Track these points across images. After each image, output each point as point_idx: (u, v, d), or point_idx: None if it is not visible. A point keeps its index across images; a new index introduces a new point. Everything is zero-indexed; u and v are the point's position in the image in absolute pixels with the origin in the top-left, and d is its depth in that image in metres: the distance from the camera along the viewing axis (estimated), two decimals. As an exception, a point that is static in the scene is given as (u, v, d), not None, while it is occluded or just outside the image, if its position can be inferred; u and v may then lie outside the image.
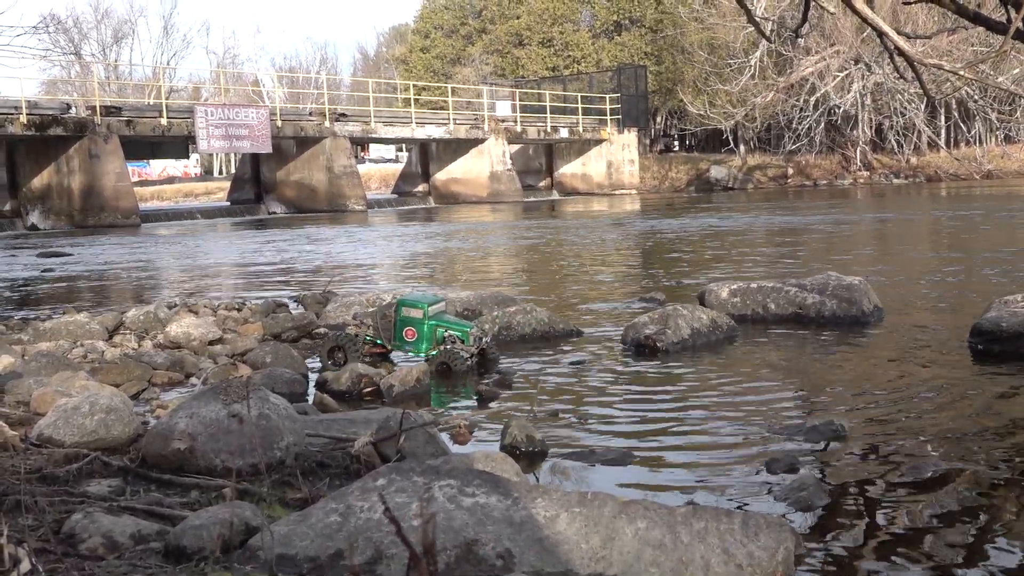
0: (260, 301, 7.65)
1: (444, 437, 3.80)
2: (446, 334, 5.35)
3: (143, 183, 50.38)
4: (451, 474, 2.63)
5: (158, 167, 57.81)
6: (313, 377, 5.14)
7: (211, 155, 58.27)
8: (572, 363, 5.36)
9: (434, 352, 5.29)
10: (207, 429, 3.21)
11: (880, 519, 2.93)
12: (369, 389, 4.77)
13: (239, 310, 7.24)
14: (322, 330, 6.47)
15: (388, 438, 3.31)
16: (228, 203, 32.93)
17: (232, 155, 48.72)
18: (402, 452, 3.27)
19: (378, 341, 5.42)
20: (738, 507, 2.99)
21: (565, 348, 5.86)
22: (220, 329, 6.22)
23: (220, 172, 60.79)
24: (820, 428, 3.78)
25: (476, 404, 4.57)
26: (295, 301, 8.03)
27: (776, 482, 3.23)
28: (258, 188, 31.79)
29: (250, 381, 3.65)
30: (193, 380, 5.11)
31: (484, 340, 5.37)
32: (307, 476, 3.16)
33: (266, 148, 27.78)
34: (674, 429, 4.03)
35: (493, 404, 4.54)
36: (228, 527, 2.52)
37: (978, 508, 2.98)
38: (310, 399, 4.61)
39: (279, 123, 28.22)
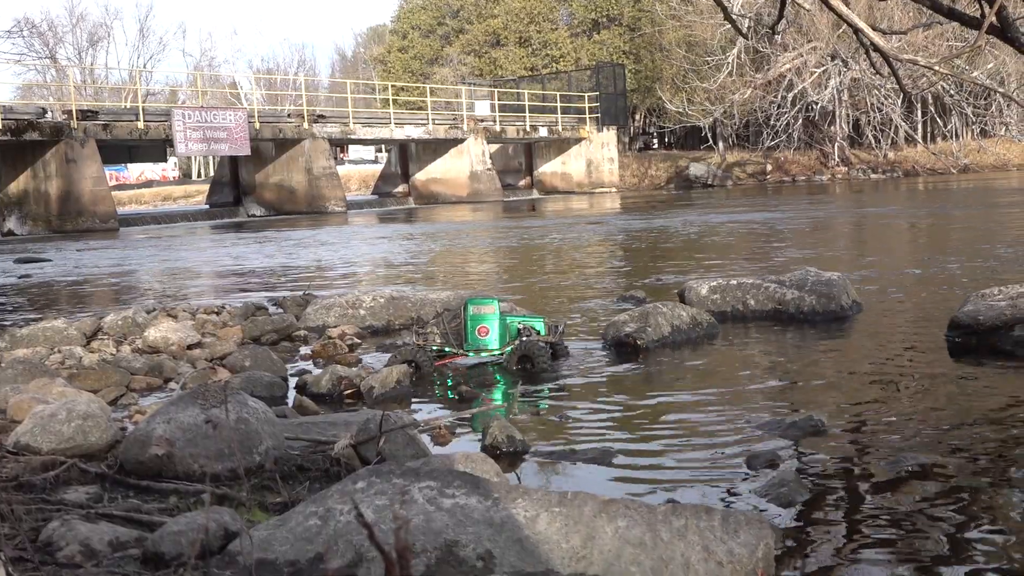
0: (239, 304, 7.62)
1: (425, 439, 3.80)
2: (520, 327, 5.30)
3: (121, 187, 50.03)
4: (431, 475, 2.62)
5: (136, 171, 57.44)
6: (293, 380, 5.12)
7: (189, 158, 58.00)
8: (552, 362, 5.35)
9: (508, 348, 5.22)
10: (185, 434, 3.19)
11: (860, 513, 2.94)
12: (349, 391, 4.76)
13: (218, 314, 7.21)
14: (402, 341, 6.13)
15: (368, 440, 3.30)
16: (207, 206, 32.77)
17: (211, 158, 48.53)
18: (382, 454, 3.26)
19: (446, 349, 5.29)
20: (719, 504, 3.00)
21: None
22: (199, 333, 6.20)
23: (199, 175, 60.49)
24: (800, 424, 3.79)
25: (457, 405, 4.56)
26: (275, 304, 8.00)
27: (756, 478, 3.24)
28: (237, 191, 31.65)
29: (228, 385, 3.63)
30: (172, 385, 5.08)
31: (560, 330, 5.34)
32: (287, 480, 3.15)
33: (244, 150, 27.64)
34: (655, 427, 4.03)
35: (474, 404, 4.53)
36: (207, 532, 2.50)
37: (958, 501, 3.00)
38: (290, 402, 4.59)
39: (257, 125, 28.09)
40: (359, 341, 6.21)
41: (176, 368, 5.32)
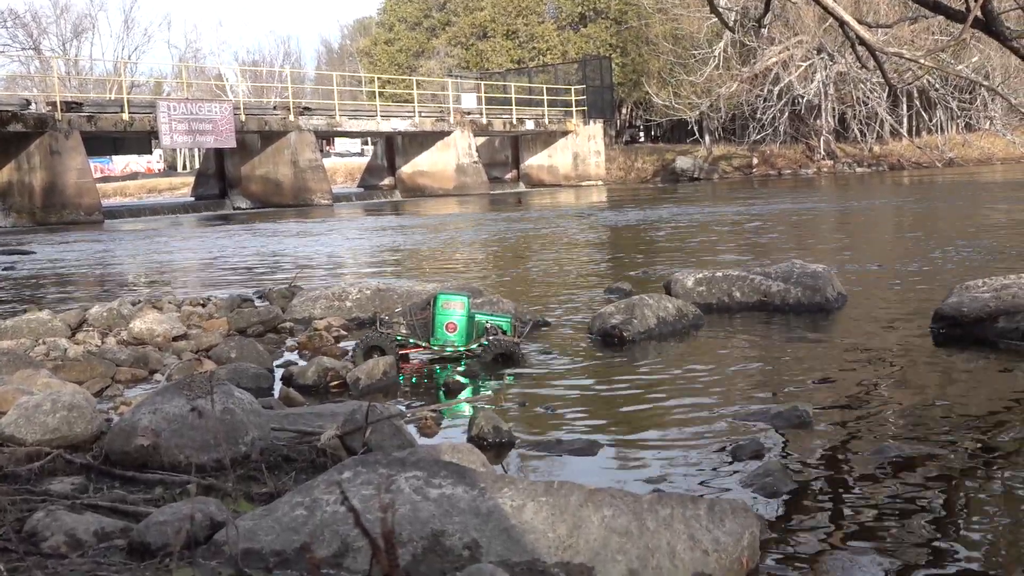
0: (225, 296, 7.59)
1: (411, 429, 3.80)
2: (487, 325, 5.28)
3: (106, 179, 49.84)
4: (417, 466, 2.63)
5: (121, 163, 57.20)
6: (279, 372, 5.11)
7: (175, 150, 57.76)
8: (539, 353, 5.36)
9: (474, 345, 5.20)
10: (170, 425, 3.18)
11: (845, 503, 2.96)
12: (336, 382, 4.75)
13: (204, 306, 7.19)
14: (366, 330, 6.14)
15: (354, 431, 3.29)
16: (192, 198, 32.67)
17: (196, 150, 48.34)
18: (368, 445, 3.26)
19: (411, 340, 5.26)
20: (704, 494, 3.01)
21: (531, 339, 5.86)
22: (184, 325, 6.18)
23: (184, 167, 60.28)
24: (785, 414, 3.81)
25: (443, 396, 4.56)
26: (260, 296, 7.98)
27: (741, 468, 3.25)
28: (222, 183, 31.54)
29: (214, 376, 3.62)
30: (157, 376, 5.07)
31: (525, 330, 5.33)
32: (273, 470, 3.14)
33: (230, 143, 27.54)
34: (640, 418, 4.04)
35: (460, 395, 4.53)
36: (192, 522, 2.50)
37: (942, 491, 3.01)
38: (276, 394, 4.59)
39: (243, 117, 27.99)
40: (345, 333, 6.20)
41: (161, 360, 5.30)
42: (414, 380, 4.94)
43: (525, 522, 2.41)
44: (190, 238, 18.34)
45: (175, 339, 5.86)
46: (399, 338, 5.24)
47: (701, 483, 3.15)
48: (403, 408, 4.20)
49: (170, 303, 7.21)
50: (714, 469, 3.29)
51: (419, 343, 5.26)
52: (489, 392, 4.53)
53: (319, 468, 3.14)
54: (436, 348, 5.24)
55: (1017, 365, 4.73)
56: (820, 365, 4.91)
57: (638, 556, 2.30)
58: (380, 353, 5.09)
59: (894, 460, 3.30)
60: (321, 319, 6.44)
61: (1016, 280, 5.54)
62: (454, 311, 5.22)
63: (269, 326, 6.36)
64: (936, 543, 2.63)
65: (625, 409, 4.19)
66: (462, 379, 4.81)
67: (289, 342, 6.03)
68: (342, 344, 5.91)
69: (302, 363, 5.12)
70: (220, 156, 31.24)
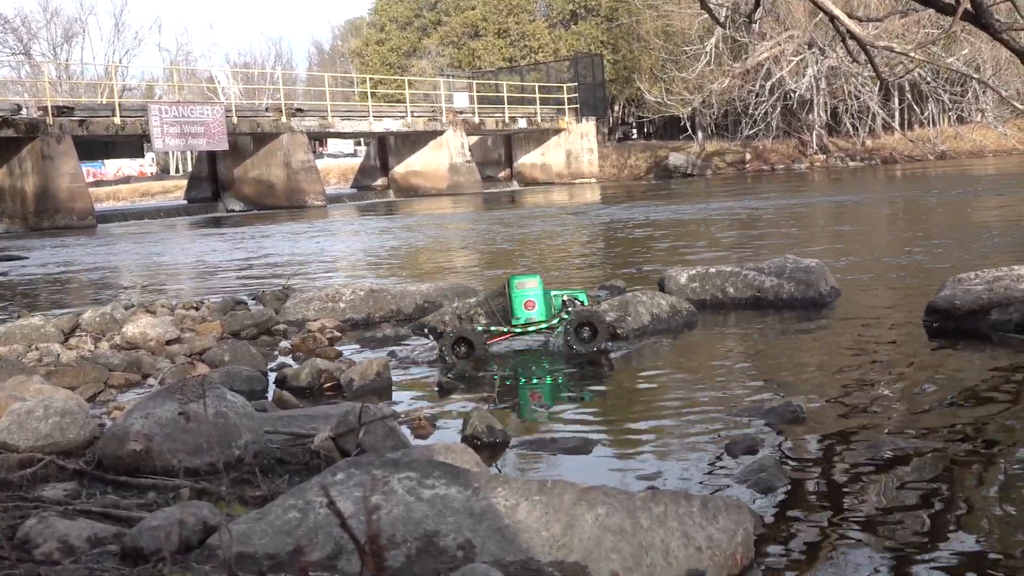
0: (218, 299, 7.58)
1: (405, 430, 3.79)
2: (564, 299, 5.30)
3: (98, 183, 49.72)
4: (410, 466, 2.62)
5: (113, 167, 57.11)
6: (272, 374, 5.10)
7: (167, 154, 57.67)
8: (532, 351, 5.35)
9: (555, 321, 5.22)
10: (163, 429, 3.17)
11: (839, 499, 2.96)
12: (329, 384, 4.75)
13: (197, 309, 7.17)
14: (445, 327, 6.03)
15: (347, 433, 3.29)
16: (185, 201, 32.60)
17: (188, 153, 48.26)
18: (362, 446, 3.25)
19: (492, 329, 5.26)
20: (698, 490, 3.00)
21: (526, 337, 5.84)
22: (178, 329, 6.16)
23: (176, 170, 60.15)
24: (779, 410, 3.81)
25: (437, 396, 4.56)
26: (254, 298, 7.97)
27: (736, 465, 3.25)
28: (215, 186, 31.48)
29: (206, 379, 3.62)
30: (150, 381, 5.05)
31: (601, 300, 5.33)
32: (266, 473, 3.14)
33: (222, 145, 27.50)
34: (635, 415, 4.04)
35: (454, 395, 4.53)
36: (186, 527, 2.49)
37: (937, 485, 3.02)
38: (270, 396, 4.58)
39: (235, 120, 27.95)
40: (339, 334, 6.19)
41: (155, 364, 5.29)
42: (409, 380, 4.94)
43: (519, 521, 2.41)
44: (183, 241, 18.32)
45: (168, 343, 5.85)
46: (480, 328, 5.25)
47: (695, 480, 3.15)
48: (397, 409, 4.20)
49: (163, 307, 7.19)
50: (708, 465, 3.29)
51: (501, 328, 5.28)
52: (483, 391, 4.52)
53: (313, 470, 3.13)
54: (519, 329, 5.26)
55: (1010, 357, 4.74)
56: (814, 360, 4.91)
57: (632, 554, 2.30)
58: (467, 345, 5.12)
59: (888, 454, 3.30)
60: (315, 321, 6.43)
61: (1008, 272, 5.55)
62: (530, 289, 5.25)
63: (263, 328, 6.34)
64: (931, 537, 2.63)
65: (619, 406, 4.19)
66: (457, 379, 4.79)
67: (283, 344, 6.02)
68: (337, 345, 5.90)
69: (296, 365, 5.11)
70: (212, 159, 31.18)
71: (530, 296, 5.25)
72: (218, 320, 6.49)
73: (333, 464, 2.85)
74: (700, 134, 44.72)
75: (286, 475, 3.15)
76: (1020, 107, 10.38)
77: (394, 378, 4.85)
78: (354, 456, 3.10)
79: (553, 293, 5.33)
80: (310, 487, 2.60)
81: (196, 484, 2.99)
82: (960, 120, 43.28)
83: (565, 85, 40.83)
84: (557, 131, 40.07)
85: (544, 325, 5.24)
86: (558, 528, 2.38)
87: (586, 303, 5.30)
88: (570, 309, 5.23)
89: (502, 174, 41.12)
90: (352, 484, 2.58)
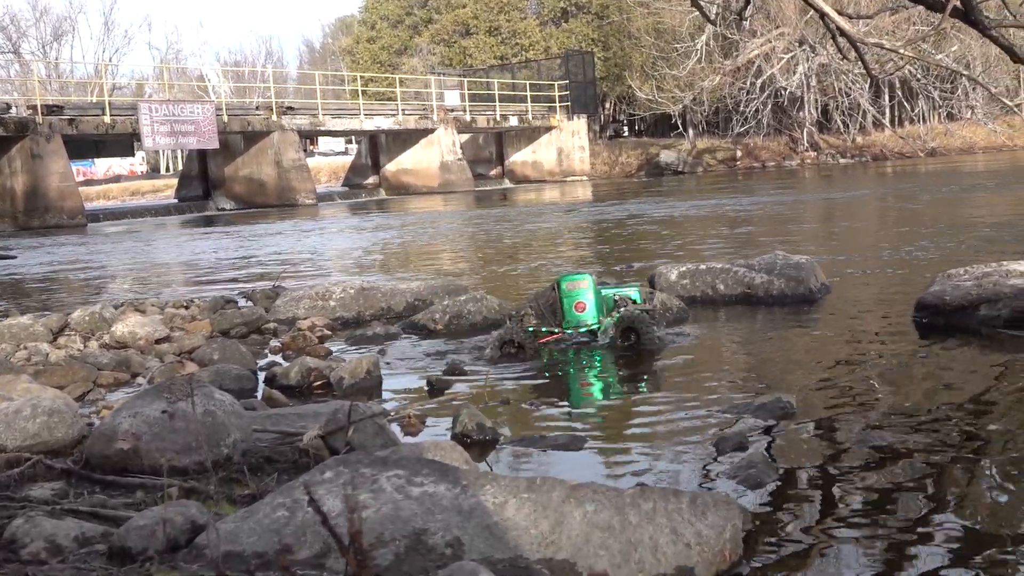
0: (208, 298, 7.56)
1: (394, 428, 3.79)
2: (616, 298, 5.21)
3: (88, 182, 49.55)
4: (399, 464, 2.62)
5: (103, 166, 56.90)
6: (262, 373, 5.09)
7: (157, 152, 57.53)
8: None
9: (607, 320, 5.15)
10: (151, 428, 3.16)
11: (828, 494, 2.96)
12: (319, 383, 4.73)
13: (187, 308, 7.16)
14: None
15: (337, 431, 3.28)
16: (176, 200, 32.52)
17: (179, 152, 48.12)
18: (351, 444, 3.25)
19: (543, 329, 5.20)
20: (687, 487, 3.00)
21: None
22: (167, 327, 6.15)
23: (167, 169, 60.02)
24: (768, 406, 3.81)
25: (427, 394, 4.55)
26: (244, 297, 7.95)
27: (725, 460, 3.25)
28: (206, 184, 31.40)
29: (194, 378, 3.61)
30: (139, 380, 5.04)
31: (654, 299, 5.25)
32: (255, 472, 3.13)
33: (213, 144, 27.43)
34: (625, 412, 4.04)
35: (445, 393, 4.52)
36: (173, 526, 2.48)
37: (926, 480, 3.02)
38: (259, 395, 4.57)
39: (225, 118, 27.87)
40: (329, 333, 6.19)
41: (144, 363, 5.27)
42: (400, 377, 4.92)
43: (507, 519, 2.41)
44: (174, 240, 18.27)
45: (158, 342, 5.84)
46: (531, 329, 5.19)
47: (685, 476, 3.15)
48: (386, 407, 4.19)
49: (153, 306, 7.18)
50: (698, 462, 3.29)
51: (552, 330, 5.20)
52: (473, 388, 4.51)
53: (302, 469, 3.12)
54: (570, 331, 5.19)
55: (999, 353, 4.75)
56: (803, 356, 4.92)
57: (620, 551, 2.30)
58: (515, 347, 5.07)
59: (877, 449, 3.30)
60: (305, 319, 6.42)
61: (997, 268, 5.56)
62: (580, 290, 5.15)
63: (252, 327, 6.33)
64: (921, 532, 2.63)
65: (609, 403, 4.19)
66: (448, 377, 4.78)
67: (273, 343, 6.01)
68: (327, 344, 5.89)
69: (285, 364, 5.10)
70: (203, 157, 31.10)
71: (581, 298, 5.14)
72: (208, 319, 6.48)
73: (322, 462, 2.85)
74: (691, 131, 44.75)
75: (275, 474, 3.14)
76: (1009, 103, 10.41)
77: (384, 376, 4.84)
78: (343, 454, 3.10)
79: (604, 292, 5.24)
80: (298, 485, 2.59)
81: (184, 483, 2.98)
82: (950, 117, 43.38)
83: (556, 83, 40.81)
84: (548, 129, 40.06)
85: (596, 326, 5.15)
86: (546, 525, 2.38)
87: (639, 301, 5.21)
88: (621, 309, 5.14)
89: (493, 172, 41.10)
90: (340, 482, 2.58)
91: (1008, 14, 7.84)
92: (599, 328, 5.14)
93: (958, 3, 6.55)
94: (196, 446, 3.09)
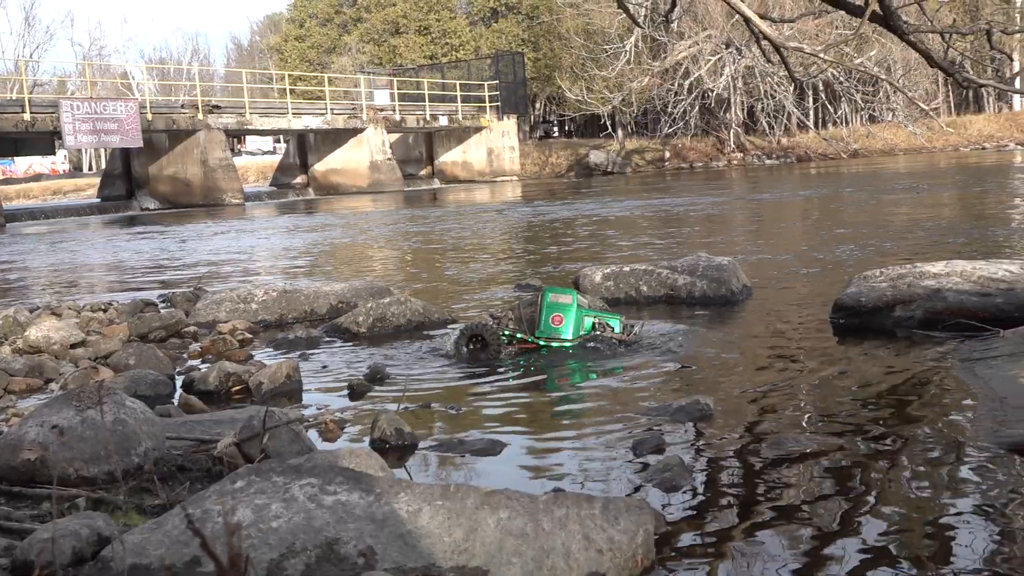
0: (128, 301, 7.42)
1: (313, 434, 3.75)
2: (595, 321, 5.21)
3: (7, 181, 48.42)
4: (312, 472, 2.58)
5: (24, 164, 55.60)
6: (180, 378, 5.00)
7: (80, 151, 56.36)
8: (441, 352, 5.32)
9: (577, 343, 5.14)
10: (59, 437, 3.08)
11: (744, 496, 2.99)
12: (238, 387, 4.67)
13: (105, 311, 7.01)
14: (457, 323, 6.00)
15: (252, 438, 3.23)
16: (99, 200, 31.88)
17: (102, 150, 47.20)
18: (266, 452, 3.20)
19: (518, 336, 5.18)
20: (604, 492, 3.01)
21: (440, 338, 5.82)
22: (83, 331, 6.01)
23: (90, 168, 58.87)
24: (687, 408, 3.84)
25: (348, 399, 4.51)
26: (164, 300, 7.82)
27: (642, 464, 3.27)
28: (130, 184, 30.83)
29: (103, 385, 3.53)
30: (52, 386, 4.92)
31: (634, 330, 5.24)
32: (166, 481, 3.07)
33: (137, 143, 26.93)
34: (545, 415, 4.05)
35: (366, 398, 4.48)
36: (79, 538, 2.43)
37: (841, 481, 3.06)
38: (176, 400, 4.49)
39: (150, 116, 27.38)
40: (250, 336, 6.10)
41: (58, 368, 5.15)
42: (320, 382, 4.87)
43: (421, 527, 2.39)
44: (96, 241, 17.90)
45: (73, 346, 5.70)
46: (507, 332, 5.18)
47: (602, 480, 3.16)
48: (305, 412, 4.14)
49: (70, 309, 7.02)
50: (615, 466, 3.30)
51: (525, 337, 5.19)
52: (394, 393, 4.48)
53: (215, 477, 3.07)
54: (542, 341, 5.17)
55: (913, 353, 4.84)
56: (723, 358, 4.97)
57: (533, 558, 2.29)
58: (481, 343, 5.07)
59: (793, 451, 3.34)
60: (226, 322, 6.32)
61: (912, 269, 5.68)
62: (562, 305, 5.16)
63: (172, 331, 6.22)
64: (835, 533, 2.67)
65: (530, 407, 4.19)
66: (369, 382, 4.74)
67: (192, 347, 5.91)
68: (248, 348, 5.82)
69: (204, 368, 5.02)
70: (127, 156, 30.54)
71: (561, 312, 5.17)
72: (126, 322, 6.35)
73: (234, 471, 2.80)
74: (620, 132, 45.11)
75: (187, 483, 3.08)
76: (925, 107, 10.63)
77: (305, 381, 4.78)
78: (257, 462, 3.05)
79: (585, 313, 5.25)
80: (208, 495, 2.55)
81: (93, 493, 2.91)
82: (872, 119, 44.31)
83: (486, 83, 40.82)
84: (478, 129, 40.05)
85: (568, 344, 5.16)
86: (460, 533, 2.37)
87: (617, 330, 5.23)
88: (597, 333, 5.17)
89: (423, 172, 40.99)
90: (252, 492, 2.54)
91: (926, 19, 8.02)
92: (569, 347, 5.15)
93: (877, 8, 6.68)
94: (106, 455, 3.02)
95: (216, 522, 2.41)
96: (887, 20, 6.96)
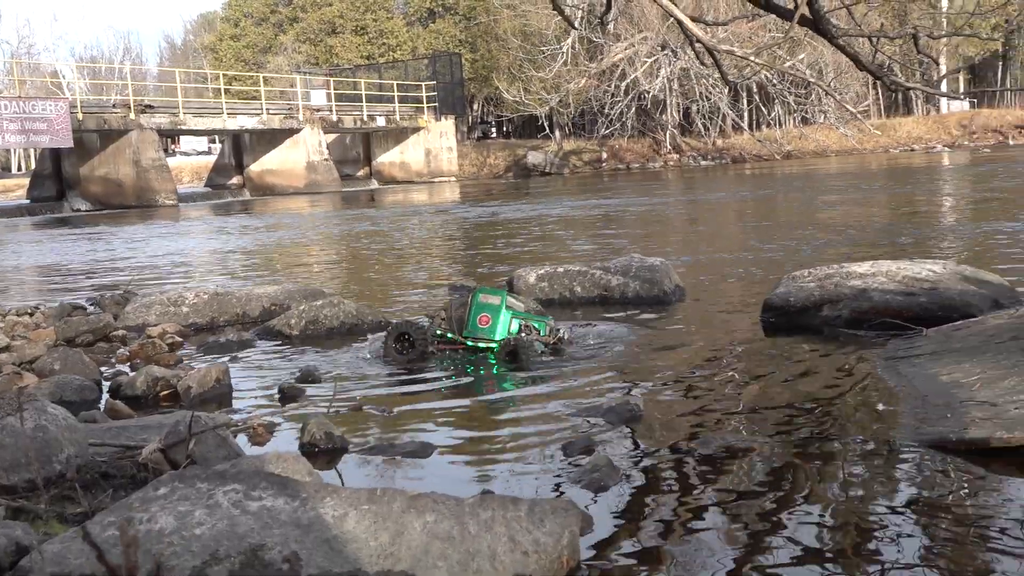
0: (55, 304, 7.28)
1: (241, 439, 3.71)
2: (523, 323, 5.19)
3: (-67, 182, 47.19)
4: (237, 478, 2.56)
5: (-50, 165, 54.34)
6: (108, 383, 4.92)
7: (8, 151, 55.16)
8: (374, 355, 5.30)
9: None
10: (-23, 445, 3.01)
11: (672, 496, 3.02)
12: (166, 392, 4.60)
13: (31, 315, 6.87)
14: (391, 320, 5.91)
15: (177, 443, 3.19)
16: (28, 201, 31.22)
17: (31, 150, 46.25)
18: (192, 457, 3.16)
19: (449, 335, 5.17)
20: (532, 494, 3.02)
21: (373, 340, 5.80)
22: (8, 336, 5.89)
23: (19, 168, 57.66)
24: (617, 409, 3.87)
25: (278, 402, 4.47)
26: (93, 303, 7.68)
27: (571, 465, 3.28)
28: (60, 184, 30.24)
29: (24, 392, 3.46)
30: (-25, 392, 4.81)
31: (561, 334, 5.22)
32: (89, 489, 3.01)
33: (67, 143, 26.42)
34: (476, 417, 4.05)
35: (296, 401, 4.45)
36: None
37: (770, 480, 3.11)
38: (102, 406, 4.41)
39: (80, 116, 26.88)
40: (180, 340, 6.02)
41: (-20, 374, 5.03)
42: (251, 386, 4.83)
43: (347, 531, 2.38)
44: (24, 243, 17.53)
45: (-4, 352, 5.58)
46: (438, 332, 5.18)
47: (531, 482, 3.17)
48: (234, 416, 4.10)
49: (-6, 313, 6.87)
50: (544, 467, 3.31)
51: (455, 338, 5.19)
52: (325, 396, 4.45)
53: (140, 484, 3.02)
54: (470, 342, 5.16)
55: (840, 351, 4.93)
56: (653, 358, 5.01)
57: (459, 561, 2.29)
58: (408, 342, 5.08)
59: (722, 449, 3.38)
60: (155, 326, 6.23)
61: (839, 270, 5.78)
62: (490, 304, 5.18)
63: (100, 335, 6.12)
64: (763, 530, 2.70)
65: (460, 409, 4.19)
66: (300, 384, 4.71)
67: (120, 351, 5.81)
68: (178, 352, 5.74)
69: (132, 373, 4.94)
70: (57, 156, 29.94)
71: (488, 311, 5.18)
72: (53, 327, 6.23)
73: (158, 477, 2.76)
74: (558, 133, 45.27)
75: (110, 490, 3.03)
76: (852, 110, 10.80)
77: (235, 384, 4.73)
78: (183, 468, 3.02)
79: (513, 315, 5.24)
80: (131, 503, 2.51)
81: (13, 502, 2.85)
82: (804, 121, 44.95)
83: (424, 83, 40.72)
84: (416, 129, 39.93)
85: (494, 345, 5.15)
86: (386, 537, 2.36)
87: (544, 332, 5.23)
88: (522, 335, 5.15)
89: (361, 172, 40.76)
90: (176, 498, 2.51)
91: (855, 24, 8.16)
92: (495, 347, 5.15)
93: (807, 12, 6.78)
94: (26, 463, 2.97)
95: (139, 529, 2.38)
96: (817, 24, 7.08)
